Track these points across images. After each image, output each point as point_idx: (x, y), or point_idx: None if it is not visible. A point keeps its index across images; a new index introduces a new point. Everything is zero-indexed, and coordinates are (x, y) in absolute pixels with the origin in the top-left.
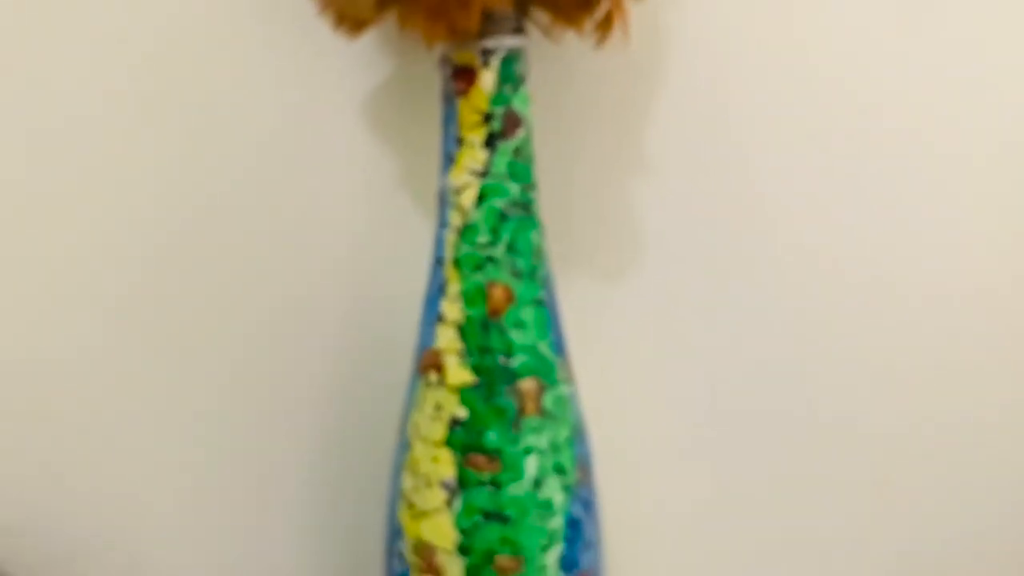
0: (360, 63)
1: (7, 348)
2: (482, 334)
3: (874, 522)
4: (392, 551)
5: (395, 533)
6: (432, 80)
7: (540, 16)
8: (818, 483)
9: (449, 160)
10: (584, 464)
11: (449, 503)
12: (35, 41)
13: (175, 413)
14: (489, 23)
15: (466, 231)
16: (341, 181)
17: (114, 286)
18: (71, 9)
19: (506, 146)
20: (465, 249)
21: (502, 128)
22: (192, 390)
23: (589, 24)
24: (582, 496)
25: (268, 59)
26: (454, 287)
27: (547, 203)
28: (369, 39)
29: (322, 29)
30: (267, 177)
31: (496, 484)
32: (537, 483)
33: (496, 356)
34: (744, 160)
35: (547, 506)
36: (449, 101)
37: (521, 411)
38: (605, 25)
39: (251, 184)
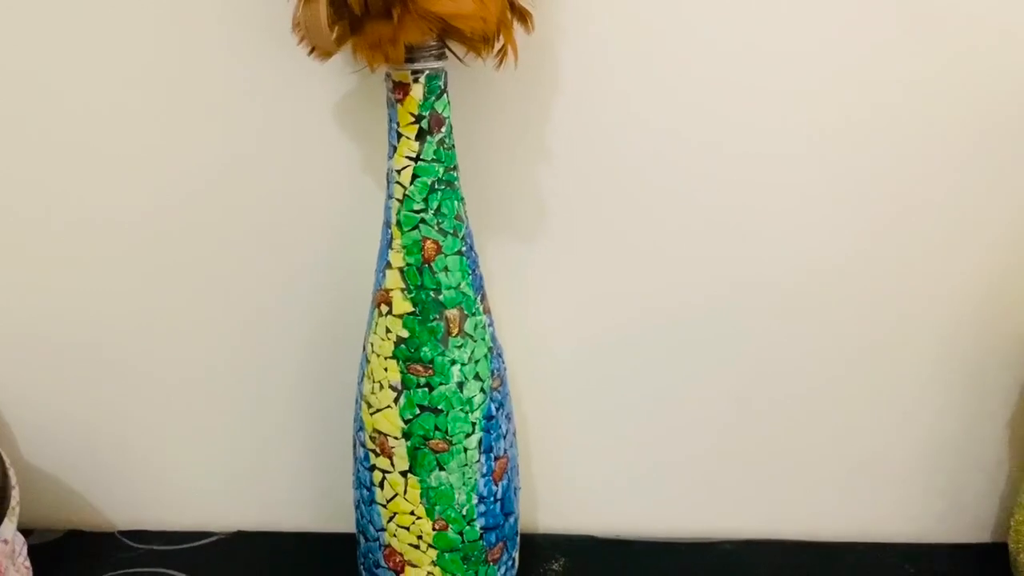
0: (334, 76)
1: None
2: (418, 276)
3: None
4: (357, 440)
5: (359, 426)
6: (383, 89)
7: (456, 47)
8: (686, 385)
9: (392, 149)
10: (499, 375)
11: (396, 400)
12: (76, 61)
13: (202, 343)
14: (417, 52)
15: (405, 200)
16: (320, 164)
17: (152, 236)
18: (100, 35)
19: (432, 139)
20: (404, 214)
21: (429, 126)
22: (213, 322)
23: (490, 54)
24: (496, 399)
25: (266, 72)
26: (397, 242)
27: (472, 180)
28: (339, 58)
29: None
30: (263, 161)
31: (430, 386)
32: (460, 385)
33: (429, 292)
34: (616, 144)
35: (469, 403)
36: (391, 106)
37: (448, 332)
38: (502, 54)
39: (251, 166)
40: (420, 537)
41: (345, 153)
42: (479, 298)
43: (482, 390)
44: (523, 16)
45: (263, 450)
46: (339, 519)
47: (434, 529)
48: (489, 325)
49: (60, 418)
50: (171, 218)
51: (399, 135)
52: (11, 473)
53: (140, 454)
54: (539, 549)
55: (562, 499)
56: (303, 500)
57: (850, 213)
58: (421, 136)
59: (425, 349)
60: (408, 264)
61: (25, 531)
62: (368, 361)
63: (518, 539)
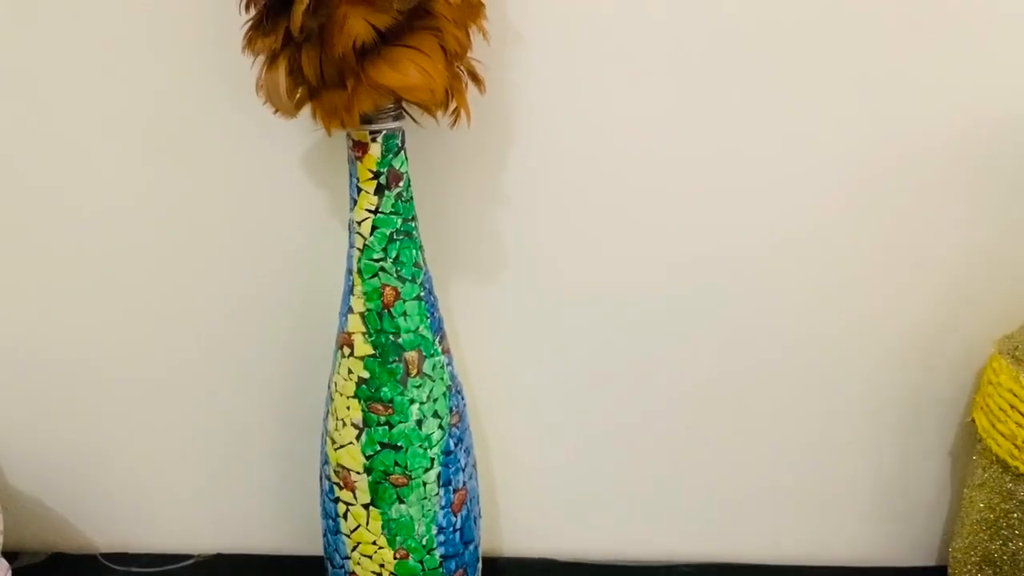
0: (300, 131)
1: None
2: (378, 320)
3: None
4: (323, 473)
5: (324, 460)
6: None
7: (412, 108)
8: (642, 415)
9: (353, 202)
10: (457, 411)
11: (358, 437)
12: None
13: (183, 374)
14: (374, 114)
15: (365, 250)
16: (287, 212)
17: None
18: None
19: (390, 193)
20: (364, 262)
21: (387, 181)
22: (193, 355)
23: (444, 115)
24: (455, 434)
25: (236, 126)
26: (359, 288)
27: (433, 225)
28: (305, 114)
29: None
30: (234, 209)
31: (390, 424)
32: (419, 423)
33: (389, 335)
34: (565, 188)
35: (427, 440)
36: (352, 162)
37: (407, 373)
38: (455, 115)
39: (222, 214)
40: (382, 565)
41: (311, 202)
42: (438, 339)
43: (440, 427)
44: (477, 80)
45: (241, 476)
46: (314, 542)
47: (395, 558)
48: (448, 364)
49: (44, 444)
50: (148, 256)
51: (359, 189)
52: None
53: (122, 479)
54: (502, 572)
55: (525, 523)
56: (279, 524)
57: (800, 246)
58: (379, 191)
59: (385, 389)
60: (368, 309)
61: (10, 555)
62: (332, 399)
63: (479, 564)
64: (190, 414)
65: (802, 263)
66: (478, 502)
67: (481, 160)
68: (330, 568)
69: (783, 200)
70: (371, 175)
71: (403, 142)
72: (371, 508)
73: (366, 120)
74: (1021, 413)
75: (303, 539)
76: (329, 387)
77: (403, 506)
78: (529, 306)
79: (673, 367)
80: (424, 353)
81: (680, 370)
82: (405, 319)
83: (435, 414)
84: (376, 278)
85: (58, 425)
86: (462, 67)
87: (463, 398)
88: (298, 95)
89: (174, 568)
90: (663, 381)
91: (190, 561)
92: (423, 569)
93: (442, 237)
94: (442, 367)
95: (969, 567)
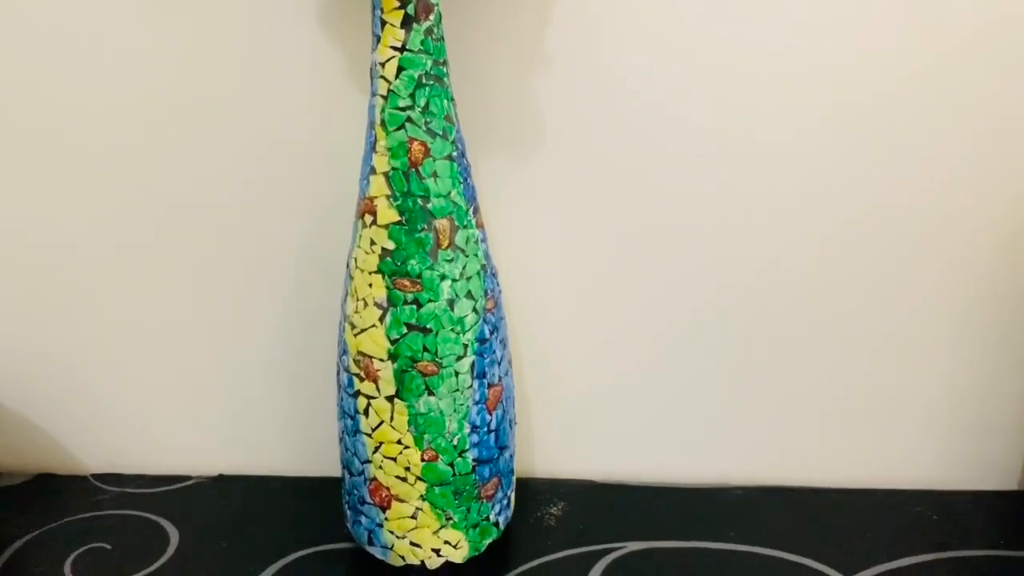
0: None
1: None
2: (405, 182)
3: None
4: (340, 365)
5: (343, 350)
6: None
7: None
8: (694, 320)
9: (376, 39)
10: (493, 297)
11: (381, 319)
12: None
13: (177, 278)
14: None
15: (390, 96)
16: (299, 63)
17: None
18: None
19: (419, 27)
20: (389, 112)
21: (416, 12)
22: (187, 257)
23: None
24: (490, 320)
25: None
26: (382, 143)
27: (470, 92)
28: None
29: None
30: (254, 62)
31: (418, 303)
32: (451, 303)
33: (416, 199)
34: (617, 62)
35: (460, 323)
36: None
37: (437, 244)
38: None
39: (242, 66)
40: (408, 469)
41: (325, 51)
42: (471, 210)
43: (475, 310)
44: None
45: (244, 390)
46: (321, 462)
47: (423, 460)
48: (482, 241)
49: (29, 355)
50: (145, 141)
51: (383, 22)
52: None
53: (115, 393)
54: (537, 493)
55: (560, 443)
56: (286, 443)
57: (880, 157)
58: (407, 23)
59: (412, 262)
60: (394, 168)
61: None
62: (352, 278)
63: (514, 478)
64: (189, 319)
65: (877, 147)
66: (514, 405)
67: (520, 14)
68: (347, 477)
69: (854, 83)
70: (398, 4)
71: None
72: (396, 401)
73: None
74: None
75: (312, 459)
76: (348, 264)
77: (432, 399)
78: (560, 180)
79: (726, 265)
80: (456, 223)
81: (734, 268)
82: (435, 181)
83: (468, 295)
84: (402, 131)
85: (44, 332)
86: None
87: (498, 284)
88: None
89: (172, 489)
90: (715, 283)
91: (189, 482)
92: (454, 474)
93: (473, 101)
94: (476, 242)
95: None
